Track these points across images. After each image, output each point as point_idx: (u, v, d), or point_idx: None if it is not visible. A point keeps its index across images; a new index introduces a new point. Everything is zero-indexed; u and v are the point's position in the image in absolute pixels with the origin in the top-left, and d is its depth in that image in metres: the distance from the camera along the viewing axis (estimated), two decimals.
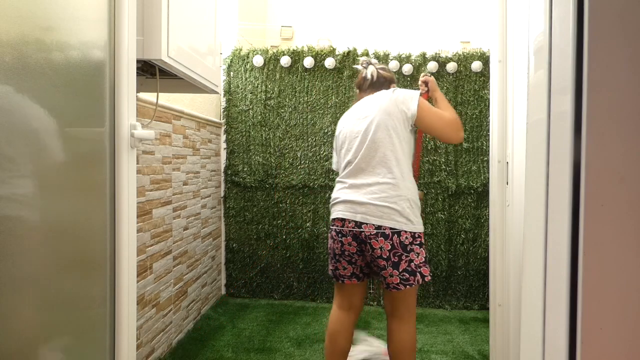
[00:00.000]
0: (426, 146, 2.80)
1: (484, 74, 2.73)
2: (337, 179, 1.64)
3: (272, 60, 2.86)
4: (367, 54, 2.80)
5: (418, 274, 1.50)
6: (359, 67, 1.77)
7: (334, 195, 1.63)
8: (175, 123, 2.18)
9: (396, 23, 3.48)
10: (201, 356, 2.09)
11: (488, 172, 2.66)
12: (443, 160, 2.79)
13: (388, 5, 3.52)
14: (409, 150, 1.58)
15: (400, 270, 1.49)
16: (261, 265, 2.94)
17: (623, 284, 0.60)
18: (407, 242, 1.49)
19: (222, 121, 2.93)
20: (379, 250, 1.50)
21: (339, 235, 1.57)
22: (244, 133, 2.91)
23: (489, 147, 2.29)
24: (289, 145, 2.88)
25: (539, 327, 0.69)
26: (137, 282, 1.80)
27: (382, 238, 1.49)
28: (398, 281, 1.50)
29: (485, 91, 2.72)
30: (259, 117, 2.89)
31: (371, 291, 2.90)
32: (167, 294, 2.11)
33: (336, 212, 1.59)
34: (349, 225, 1.54)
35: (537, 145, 0.72)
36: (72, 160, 0.91)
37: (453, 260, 2.83)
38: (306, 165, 2.87)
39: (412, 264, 1.49)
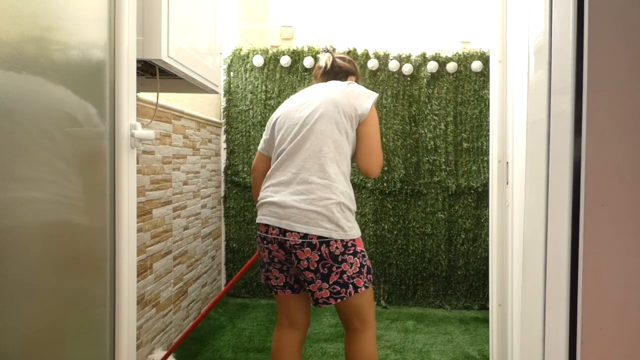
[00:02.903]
0: (426, 146, 2.80)
1: (484, 74, 2.73)
2: (269, 171, 1.43)
3: (272, 60, 2.86)
4: (367, 54, 2.80)
5: (350, 285, 1.30)
6: (320, 55, 1.60)
7: (261, 193, 1.41)
8: (175, 123, 2.18)
9: (396, 23, 3.48)
10: (201, 356, 2.09)
11: (488, 172, 2.67)
12: (443, 160, 2.79)
13: (388, 5, 3.52)
14: (350, 151, 1.38)
15: (330, 283, 1.29)
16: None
17: (623, 284, 0.60)
18: (337, 252, 1.28)
19: (222, 121, 2.93)
20: (305, 262, 1.29)
21: (264, 242, 1.37)
22: (244, 133, 2.91)
23: (489, 147, 2.29)
24: None
25: (539, 327, 0.69)
26: (137, 282, 1.79)
27: (308, 248, 1.28)
28: (328, 295, 1.30)
29: (485, 91, 2.73)
30: (259, 117, 2.89)
31: None
32: (167, 294, 2.11)
33: (260, 216, 1.38)
34: (273, 232, 1.33)
35: (537, 145, 0.72)
36: (72, 160, 0.91)
37: (453, 260, 2.83)
38: None
39: (345, 275, 1.30)
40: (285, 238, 1.30)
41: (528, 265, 0.78)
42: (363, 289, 1.32)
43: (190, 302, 2.42)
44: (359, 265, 1.32)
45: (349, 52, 2.80)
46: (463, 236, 2.81)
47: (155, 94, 1.48)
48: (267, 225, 1.35)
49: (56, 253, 0.87)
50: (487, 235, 2.74)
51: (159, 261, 2.02)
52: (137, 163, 1.76)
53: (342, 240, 1.29)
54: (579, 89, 0.61)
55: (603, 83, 0.59)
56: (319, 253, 1.28)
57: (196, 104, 2.51)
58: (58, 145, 0.86)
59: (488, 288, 2.00)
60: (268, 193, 1.37)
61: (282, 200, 1.32)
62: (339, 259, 1.29)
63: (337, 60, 1.55)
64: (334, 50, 1.61)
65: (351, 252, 1.31)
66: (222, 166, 2.95)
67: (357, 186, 2.83)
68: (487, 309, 2.55)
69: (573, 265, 0.62)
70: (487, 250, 2.72)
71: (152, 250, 1.94)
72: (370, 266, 1.38)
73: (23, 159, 0.77)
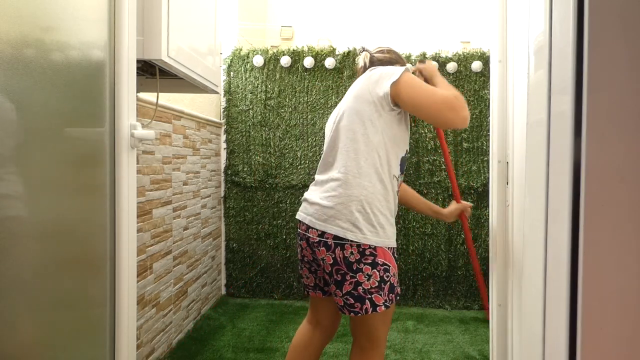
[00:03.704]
0: (426, 146, 2.80)
1: (484, 74, 2.73)
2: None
3: (272, 60, 2.86)
4: None
5: (368, 301, 1.19)
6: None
7: None
8: (175, 123, 2.18)
9: (396, 23, 3.48)
10: (201, 356, 2.09)
11: (488, 172, 2.67)
12: (443, 160, 2.79)
13: (388, 5, 3.52)
14: (382, 140, 1.25)
15: (343, 292, 1.21)
16: (261, 265, 2.94)
17: (623, 284, 0.59)
18: (352, 258, 1.19)
19: (222, 121, 2.93)
20: (321, 262, 1.26)
21: (298, 237, 1.38)
22: (244, 133, 2.91)
23: (489, 147, 2.29)
24: (289, 145, 2.88)
25: (539, 327, 0.69)
26: (137, 282, 1.79)
27: (323, 248, 1.23)
28: (342, 304, 1.23)
29: (485, 91, 2.73)
30: (259, 117, 2.89)
31: None
32: (167, 294, 2.11)
33: (298, 212, 1.40)
34: (302, 227, 1.33)
35: (537, 145, 0.72)
36: (72, 160, 0.91)
37: (453, 260, 2.83)
38: (306, 165, 2.87)
39: (360, 287, 1.19)
40: (309, 235, 1.28)
41: (528, 265, 0.78)
42: (383, 308, 1.20)
43: (190, 302, 2.42)
44: (378, 278, 1.20)
45: (349, 53, 2.80)
46: (463, 236, 2.80)
47: (155, 94, 1.48)
48: (299, 221, 1.36)
49: (56, 253, 0.87)
50: (487, 235, 2.74)
51: (159, 261, 2.02)
52: (137, 163, 1.76)
53: (358, 245, 1.19)
54: (579, 89, 0.61)
55: (603, 83, 0.59)
56: (333, 256, 1.22)
57: (196, 104, 2.51)
58: (58, 145, 0.86)
59: (488, 288, 2.00)
60: (307, 191, 1.38)
61: (311, 197, 1.32)
62: (354, 267, 1.19)
63: (375, 55, 1.48)
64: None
65: (369, 261, 1.19)
66: (222, 166, 2.95)
67: None
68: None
69: (573, 265, 0.62)
70: (487, 250, 2.72)
71: (152, 250, 1.94)
72: (396, 284, 1.26)
73: (23, 159, 0.77)
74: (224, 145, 2.94)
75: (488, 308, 1.65)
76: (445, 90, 1.25)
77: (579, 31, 0.61)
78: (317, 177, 1.37)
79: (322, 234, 1.23)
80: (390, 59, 1.48)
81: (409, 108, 1.26)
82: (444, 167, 2.79)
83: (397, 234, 2.85)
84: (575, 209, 0.62)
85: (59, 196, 0.87)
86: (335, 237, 1.21)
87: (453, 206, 1.70)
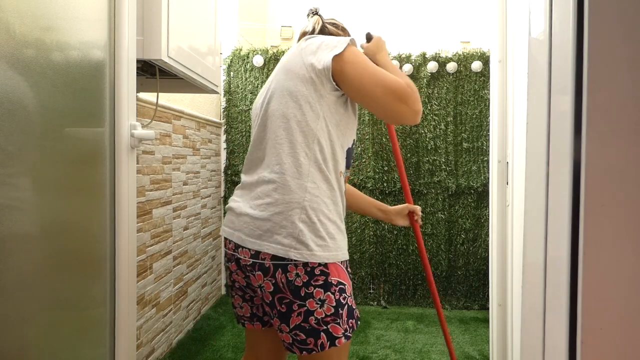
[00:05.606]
0: (426, 146, 2.80)
1: (484, 74, 2.73)
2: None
3: (272, 60, 2.86)
4: None
5: (323, 334, 0.90)
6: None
7: None
8: (175, 123, 2.18)
9: (396, 23, 3.48)
10: (201, 356, 2.09)
11: (488, 172, 2.67)
12: (443, 160, 2.79)
13: (388, 5, 3.52)
14: (326, 128, 0.97)
15: (291, 327, 0.92)
16: None
17: (623, 284, 0.59)
18: (299, 282, 0.91)
19: (222, 121, 2.93)
20: (259, 291, 0.95)
21: (225, 258, 1.09)
22: (244, 133, 2.91)
23: (489, 147, 2.29)
24: None
25: (539, 327, 0.69)
26: (137, 282, 1.79)
27: (260, 273, 0.93)
28: (290, 341, 0.93)
29: (485, 91, 2.73)
30: None
31: (371, 291, 2.89)
32: (167, 294, 2.11)
33: (222, 226, 1.08)
34: (230, 246, 1.01)
35: (537, 145, 0.72)
36: (72, 160, 0.91)
37: (453, 260, 2.83)
38: None
39: (311, 318, 0.90)
40: (239, 255, 0.98)
41: (528, 265, 0.78)
42: (343, 340, 0.92)
43: (190, 302, 2.42)
44: (334, 303, 0.92)
45: None
46: (463, 236, 2.81)
47: (155, 94, 1.48)
48: (225, 238, 1.04)
49: (56, 253, 0.87)
50: (487, 235, 2.74)
51: (159, 261, 2.02)
52: (137, 163, 1.76)
53: (305, 265, 0.91)
54: (579, 89, 0.61)
55: (603, 83, 0.59)
56: (273, 281, 0.92)
57: (196, 104, 2.51)
58: (58, 145, 0.86)
59: (488, 288, 2.00)
60: (233, 197, 1.09)
61: (239, 206, 1.01)
62: (302, 293, 0.91)
63: (328, 26, 1.22)
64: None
65: (320, 282, 0.91)
66: (222, 166, 2.95)
67: (356, 186, 2.82)
68: (487, 309, 2.55)
69: (573, 265, 0.62)
70: (487, 250, 2.72)
71: (152, 250, 1.94)
72: (354, 307, 0.98)
73: (23, 159, 0.77)
74: (224, 145, 2.94)
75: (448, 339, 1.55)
76: (395, 76, 0.98)
77: (579, 31, 0.61)
78: (244, 178, 1.08)
79: (257, 254, 0.93)
80: (340, 35, 1.22)
81: (352, 91, 0.98)
82: (444, 167, 2.79)
83: (397, 234, 2.87)
84: (575, 209, 0.62)
85: (59, 196, 0.87)
86: (274, 257, 0.92)
87: (401, 206, 1.39)
